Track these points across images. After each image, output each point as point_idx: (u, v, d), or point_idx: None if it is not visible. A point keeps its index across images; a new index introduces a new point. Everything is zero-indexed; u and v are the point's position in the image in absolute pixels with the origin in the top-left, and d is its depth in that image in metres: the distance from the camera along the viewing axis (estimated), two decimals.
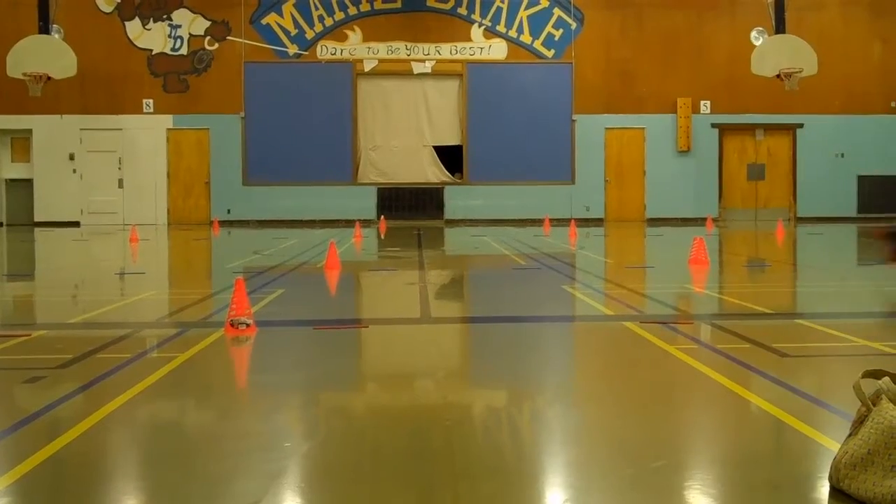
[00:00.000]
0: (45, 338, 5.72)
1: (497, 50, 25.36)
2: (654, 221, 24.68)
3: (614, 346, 5.44)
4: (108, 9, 24.80)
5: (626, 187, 25.55)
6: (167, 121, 24.84)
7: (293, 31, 25.16)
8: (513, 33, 25.39)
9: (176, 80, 24.92)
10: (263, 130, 24.85)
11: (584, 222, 23.47)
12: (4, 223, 24.53)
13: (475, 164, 25.15)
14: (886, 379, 2.55)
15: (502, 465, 2.91)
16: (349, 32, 25.20)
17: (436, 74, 25.23)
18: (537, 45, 25.41)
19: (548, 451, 3.16)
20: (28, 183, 24.79)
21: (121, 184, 24.87)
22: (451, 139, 25.23)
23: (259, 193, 24.93)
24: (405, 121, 25.18)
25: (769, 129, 25.65)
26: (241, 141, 24.90)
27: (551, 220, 22.06)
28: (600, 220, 25.09)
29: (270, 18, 25.14)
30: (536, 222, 22.85)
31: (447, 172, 25.20)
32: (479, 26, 25.31)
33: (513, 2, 25.37)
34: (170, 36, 25.02)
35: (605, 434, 3.35)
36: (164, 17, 24.99)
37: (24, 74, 21.34)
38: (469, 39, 25.31)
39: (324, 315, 6.82)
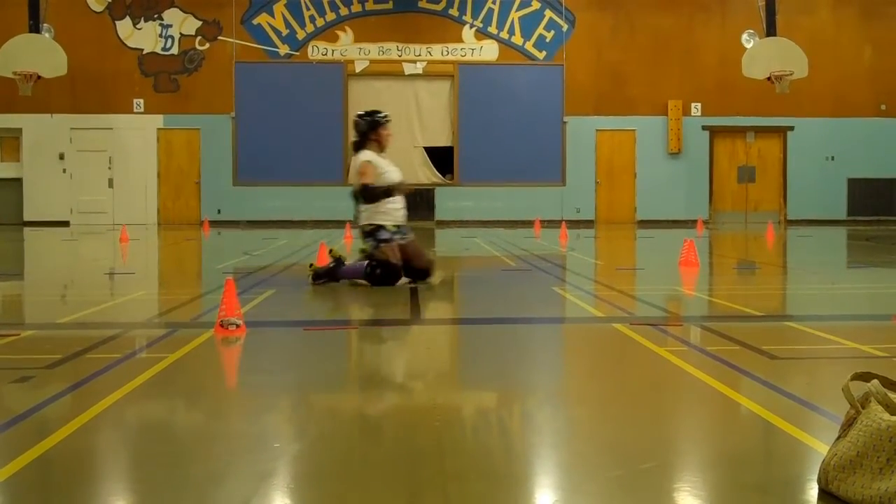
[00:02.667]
0: (34, 338, 5.70)
1: (488, 51, 25.40)
2: (645, 223, 24.73)
3: (604, 347, 5.45)
4: (98, 8, 24.76)
5: (617, 189, 25.60)
6: (157, 120, 24.82)
7: (284, 32, 25.16)
8: (504, 34, 25.42)
9: (166, 79, 24.89)
10: (254, 131, 24.84)
11: (575, 224, 23.49)
12: None
13: (466, 165, 25.17)
14: (875, 381, 2.56)
15: (492, 467, 2.91)
16: (340, 33, 25.21)
17: (427, 75, 25.25)
18: (528, 46, 25.45)
19: (537, 452, 3.16)
20: (17, 182, 24.72)
21: (111, 183, 24.82)
22: (442, 140, 25.25)
23: (249, 194, 24.92)
24: (396, 122, 25.02)
25: (760, 131, 25.74)
26: (232, 141, 24.88)
27: (542, 221, 22.08)
28: (591, 221, 25.14)
29: (262, 18, 25.13)
30: (527, 224, 22.87)
31: (438, 173, 25.21)
32: (471, 27, 25.34)
33: (504, 3, 25.40)
34: (160, 35, 25.00)
35: (593, 435, 3.35)
36: (155, 16, 24.97)
37: (14, 73, 21.29)
38: (460, 40, 25.34)
39: (314, 316, 6.81)
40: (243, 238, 18.18)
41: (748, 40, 24.62)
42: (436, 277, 8.45)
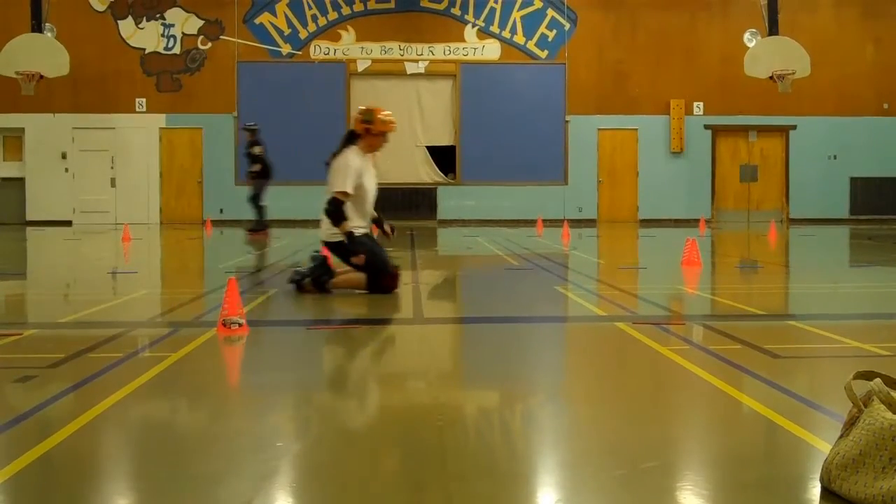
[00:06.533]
0: (36, 337, 5.70)
1: (490, 50, 25.40)
2: (647, 222, 24.72)
3: (606, 346, 5.44)
4: (101, 7, 24.78)
5: (619, 188, 25.59)
6: (160, 120, 24.83)
7: (286, 31, 25.17)
8: (506, 34, 25.42)
9: (169, 79, 24.91)
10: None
11: (577, 223, 23.49)
12: None
13: (468, 164, 25.17)
14: (878, 380, 2.55)
15: (494, 466, 2.90)
16: (342, 32, 25.22)
17: (429, 75, 25.25)
18: (531, 45, 25.45)
19: (539, 451, 3.16)
20: (20, 182, 24.74)
21: (113, 183, 24.84)
22: (444, 139, 25.24)
23: None
24: (398, 121, 25.03)
25: (762, 130, 25.72)
26: (234, 140, 24.89)
27: (544, 220, 22.07)
28: (593, 220, 25.14)
29: (264, 18, 25.14)
30: (529, 223, 22.86)
31: (440, 173, 25.20)
32: (473, 27, 25.34)
33: (506, 2, 25.41)
34: (163, 35, 25.02)
35: (596, 434, 3.35)
36: (158, 16, 24.98)
37: (17, 73, 21.31)
38: (462, 40, 25.34)
39: (316, 315, 6.81)
40: (245, 237, 18.18)
41: (750, 39, 24.61)
42: None
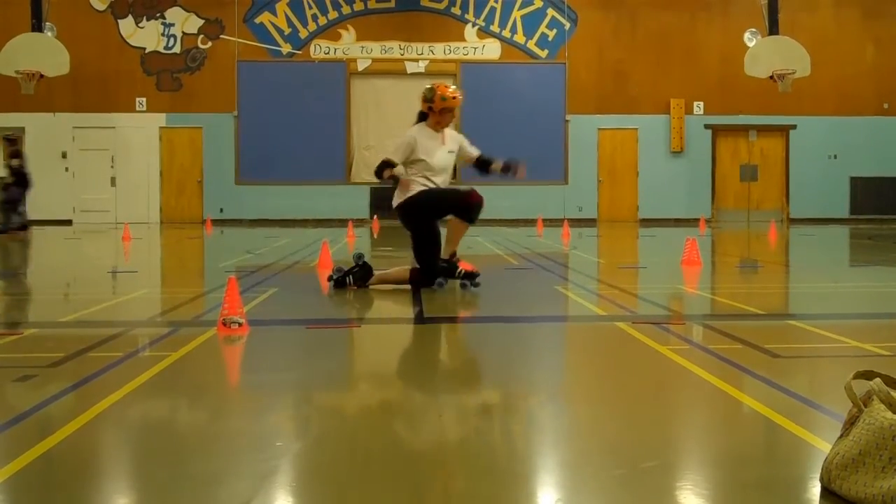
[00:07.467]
0: (36, 336, 5.70)
1: (491, 50, 25.41)
2: (647, 222, 24.72)
3: (606, 346, 5.44)
4: (101, 7, 24.79)
5: (620, 188, 25.60)
6: (160, 119, 24.85)
7: (287, 30, 25.18)
8: (506, 33, 25.43)
9: (169, 78, 24.92)
10: (256, 129, 24.86)
11: (577, 222, 23.48)
12: None
13: None
14: (878, 380, 2.55)
15: (494, 465, 2.90)
16: (343, 32, 25.23)
17: (429, 74, 25.26)
18: (531, 45, 25.46)
19: (540, 451, 3.16)
20: None
21: (113, 182, 24.86)
22: None
23: (252, 192, 24.94)
24: (399, 120, 25.12)
25: (762, 130, 25.74)
26: (234, 140, 24.91)
27: (544, 220, 22.07)
28: (593, 220, 25.15)
29: (264, 17, 25.15)
30: (529, 222, 22.86)
31: None
32: (473, 26, 25.35)
33: (506, 2, 25.43)
34: (163, 34, 25.04)
35: (596, 434, 3.35)
36: (158, 15, 25.00)
37: (17, 72, 21.33)
38: (463, 39, 25.35)
39: (316, 314, 6.81)
40: (245, 237, 18.19)
41: (750, 39, 24.62)
42: None
